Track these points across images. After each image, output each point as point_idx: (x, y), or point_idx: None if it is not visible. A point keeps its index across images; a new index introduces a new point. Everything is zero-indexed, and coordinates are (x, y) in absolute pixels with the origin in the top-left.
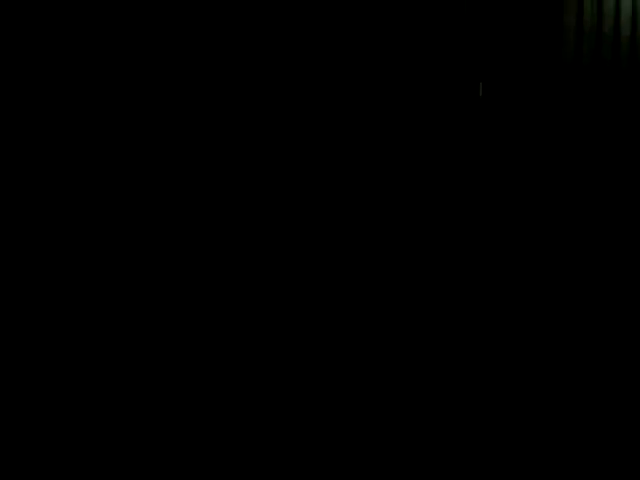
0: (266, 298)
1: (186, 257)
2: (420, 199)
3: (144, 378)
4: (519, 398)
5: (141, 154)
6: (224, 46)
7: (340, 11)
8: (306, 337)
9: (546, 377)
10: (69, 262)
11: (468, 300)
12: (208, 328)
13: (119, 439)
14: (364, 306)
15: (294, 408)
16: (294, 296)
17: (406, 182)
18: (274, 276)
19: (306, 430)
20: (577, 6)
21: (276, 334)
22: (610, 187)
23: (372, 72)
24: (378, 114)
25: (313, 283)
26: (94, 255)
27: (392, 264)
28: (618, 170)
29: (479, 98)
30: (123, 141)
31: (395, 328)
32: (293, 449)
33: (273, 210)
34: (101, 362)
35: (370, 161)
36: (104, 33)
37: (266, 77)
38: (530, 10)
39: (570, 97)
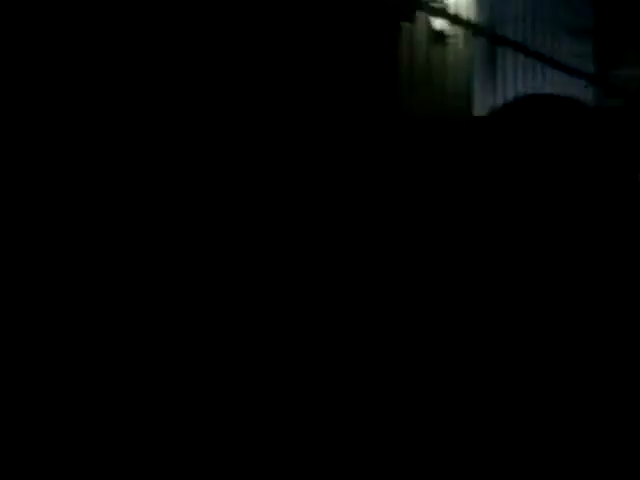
0: (266, 298)
1: (184, 258)
2: None
3: (144, 378)
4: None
5: (141, 155)
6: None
7: None
8: (305, 338)
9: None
10: (68, 262)
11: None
12: (207, 329)
13: (119, 439)
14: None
15: (294, 408)
16: (294, 297)
17: None
18: (274, 276)
19: (305, 429)
20: (410, 60)
21: (275, 335)
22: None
23: None
24: None
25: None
26: (94, 255)
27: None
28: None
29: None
30: (123, 142)
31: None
32: (293, 449)
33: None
34: (101, 362)
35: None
36: (104, 34)
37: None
38: (369, 61)
39: (406, 141)
